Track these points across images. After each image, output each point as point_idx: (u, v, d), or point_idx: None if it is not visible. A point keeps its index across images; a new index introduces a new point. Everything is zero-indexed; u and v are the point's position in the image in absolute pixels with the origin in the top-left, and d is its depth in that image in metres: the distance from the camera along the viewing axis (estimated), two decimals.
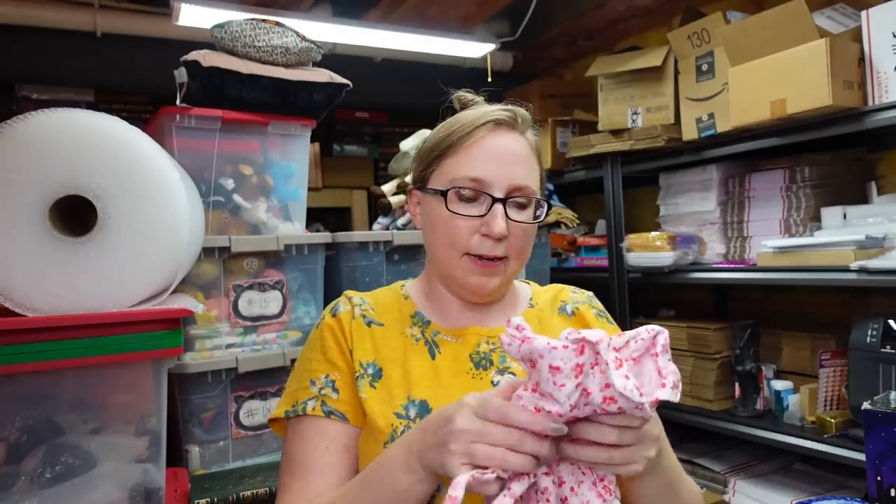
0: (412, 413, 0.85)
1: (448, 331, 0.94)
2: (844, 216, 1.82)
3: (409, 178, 0.98)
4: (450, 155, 0.90)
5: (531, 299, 1.01)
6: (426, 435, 0.69)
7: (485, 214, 0.87)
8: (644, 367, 0.63)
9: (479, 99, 0.98)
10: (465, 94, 0.98)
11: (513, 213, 0.88)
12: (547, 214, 0.99)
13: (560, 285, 1.07)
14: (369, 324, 0.94)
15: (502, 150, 0.89)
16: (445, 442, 0.65)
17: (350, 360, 0.91)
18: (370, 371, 0.89)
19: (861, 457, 1.57)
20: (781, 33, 1.75)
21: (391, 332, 0.94)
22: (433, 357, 0.91)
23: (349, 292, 0.99)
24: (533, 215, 0.91)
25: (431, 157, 0.92)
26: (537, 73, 3.13)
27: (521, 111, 0.92)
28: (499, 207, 0.86)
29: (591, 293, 1.06)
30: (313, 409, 0.88)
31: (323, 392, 0.89)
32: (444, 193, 0.88)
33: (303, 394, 0.90)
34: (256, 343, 1.61)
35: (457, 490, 0.60)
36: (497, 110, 0.91)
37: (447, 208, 0.87)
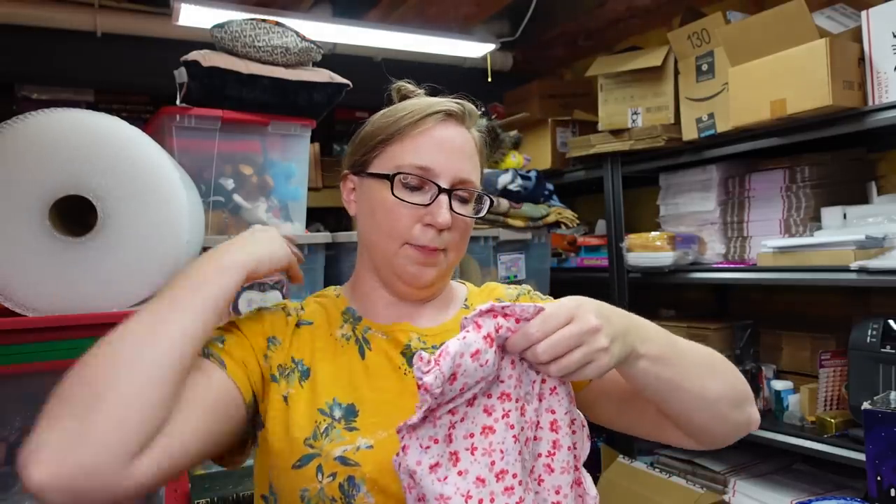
0: (337, 414, 0.81)
1: (379, 326, 0.90)
2: (844, 216, 1.82)
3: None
4: (396, 141, 0.87)
5: (466, 300, 0.99)
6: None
7: (429, 204, 0.85)
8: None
9: (420, 91, 0.97)
10: (405, 85, 0.96)
11: (456, 206, 0.87)
12: (490, 209, 0.99)
13: (495, 284, 1.04)
14: (299, 325, 0.90)
15: (450, 141, 0.87)
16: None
17: (273, 342, 0.85)
18: (300, 368, 0.85)
19: (861, 457, 1.57)
20: (781, 33, 1.75)
21: (319, 331, 0.90)
22: (363, 356, 0.87)
23: (281, 302, 0.95)
24: (472, 210, 0.90)
25: (374, 142, 0.89)
26: (537, 73, 3.13)
27: (470, 106, 0.91)
28: (444, 198, 0.85)
29: (527, 286, 1.04)
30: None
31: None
32: (390, 178, 0.85)
33: None
34: None
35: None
36: (447, 101, 0.89)
37: (392, 194, 0.85)
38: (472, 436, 0.69)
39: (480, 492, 0.67)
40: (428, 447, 0.67)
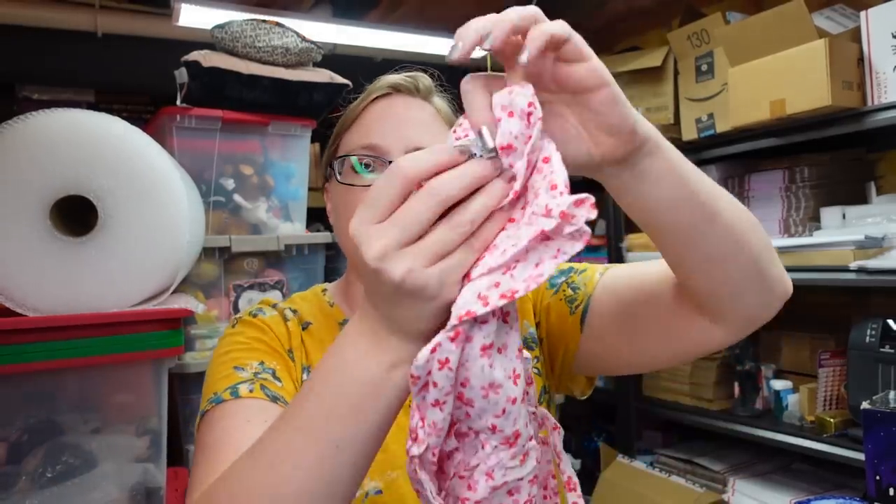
0: None
1: None
2: (844, 216, 1.83)
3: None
4: (346, 130, 0.81)
5: None
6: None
7: None
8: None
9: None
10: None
11: None
12: None
13: None
14: (305, 327, 0.80)
15: (398, 114, 0.78)
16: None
17: (291, 359, 0.75)
18: (304, 377, 0.75)
19: (860, 456, 1.58)
20: (781, 34, 1.76)
21: (322, 333, 0.81)
22: None
23: (268, 299, 0.84)
24: None
25: (332, 141, 0.83)
26: None
27: (424, 77, 0.83)
28: None
29: None
30: (250, 391, 0.66)
31: (261, 376, 0.69)
32: (331, 165, 0.78)
33: (225, 382, 0.68)
34: None
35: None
36: (394, 75, 0.82)
37: (337, 180, 0.77)
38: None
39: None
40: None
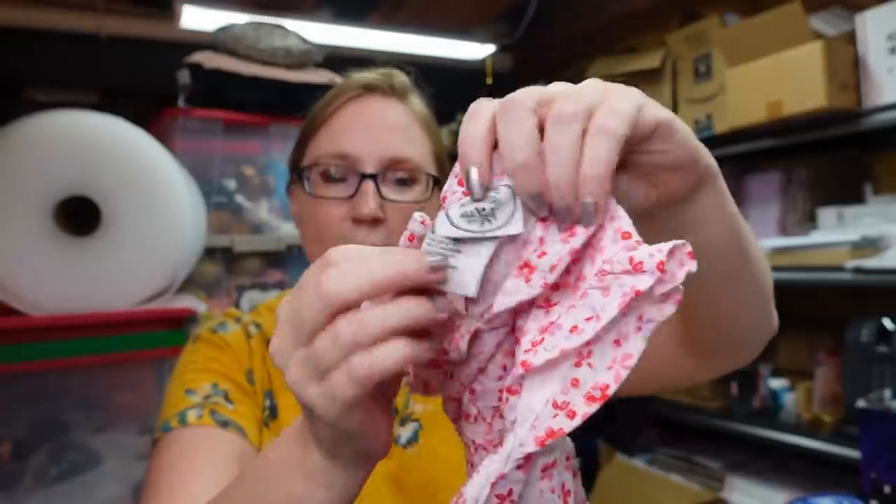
0: None
1: None
2: (840, 217, 1.84)
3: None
4: (314, 133, 0.74)
5: None
6: None
7: (352, 195, 0.70)
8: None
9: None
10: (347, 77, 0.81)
11: (391, 192, 0.71)
12: None
13: None
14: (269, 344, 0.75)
15: (373, 118, 0.72)
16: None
17: (251, 379, 0.71)
18: (267, 404, 0.71)
19: (856, 454, 1.59)
20: (778, 36, 1.77)
21: None
22: None
23: (232, 311, 0.80)
24: (419, 194, 0.72)
25: (299, 143, 0.77)
26: (537, 74, 3.15)
27: (399, 74, 0.77)
28: (368, 185, 0.69)
29: None
30: (199, 417, 0.64)
31: (211, 400, 0.66)
32: (302, 176, 0.73)
33: (176, 407, 0.66)
34: None
35: None
36: (367, 74, 0.76)
37: (306, 192, 0.72)
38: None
39: None
40: None
